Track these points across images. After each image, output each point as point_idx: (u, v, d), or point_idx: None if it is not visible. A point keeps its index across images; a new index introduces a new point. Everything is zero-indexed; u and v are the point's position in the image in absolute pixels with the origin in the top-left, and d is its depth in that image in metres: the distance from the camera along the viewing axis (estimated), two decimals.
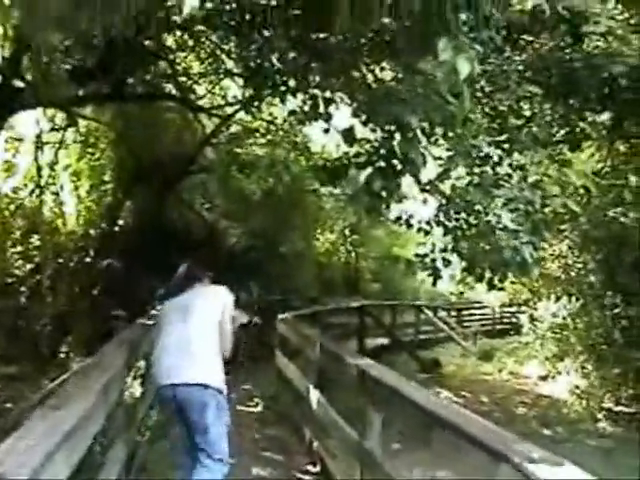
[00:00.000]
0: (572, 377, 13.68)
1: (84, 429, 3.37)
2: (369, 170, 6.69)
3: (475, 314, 28.98)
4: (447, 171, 8.21)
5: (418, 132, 6.48)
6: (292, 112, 8.82)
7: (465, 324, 26.52)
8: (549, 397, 13.78)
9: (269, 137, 17.03)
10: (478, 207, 7.84)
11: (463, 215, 8.24)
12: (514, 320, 26.31)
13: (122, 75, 11.53)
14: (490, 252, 7.70)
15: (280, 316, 10.66)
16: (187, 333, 5.13)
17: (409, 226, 8.83)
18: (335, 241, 29.28)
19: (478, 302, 28.59)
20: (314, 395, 6.97)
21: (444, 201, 8.40)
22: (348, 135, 7.34)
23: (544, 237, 7.92)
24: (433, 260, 8.40)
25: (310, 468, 6.72)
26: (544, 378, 15.45)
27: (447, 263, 8.45)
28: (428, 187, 8.38)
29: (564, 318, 13.13)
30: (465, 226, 8.22)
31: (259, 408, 9.72)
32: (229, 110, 16.27)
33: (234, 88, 15.64)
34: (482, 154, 8.18)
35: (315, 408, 6.88)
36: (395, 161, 6.57)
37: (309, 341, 7.85)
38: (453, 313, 27.07)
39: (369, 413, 4.73)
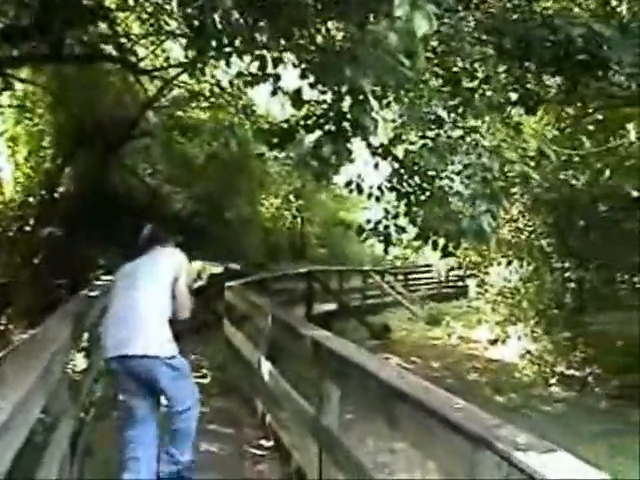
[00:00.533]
0: (523, 341, 13.72)
1: (24, 415, 3.11)
2: (317, 134, 6.46)
3: (422, 278, 29.03)
4: (399, 135, 7.98)
5: (369, 95, 6.24)
6: (239, 74, 8.37)
7: (412, 288, 26.54)
8: (500, 361, 13.79)
9: (213, 100, 16.56)
10: (432, 172, 7.64)
11: (416, 180, 8.04)
12: (461, 284, 26.60)
13: (59, 35, 10.99)
14: (445, 219, 7.50)
15: (227, 283, 10.40)
16: (135, 301, 5.09)
17: (360, 191, 8.53)
18: (280, 206, 29.04)
19: (425, 266, 28.65)
20: (266, 367, 6.74)
21: (397, 165, 8.18)
22: (296, 98, 7.07)
23: (502, 205, 7.70)
24: (386, 227, 8.19)
25: (263, 442, 6.45)
26: (494, 342, 15.48)
27: (401, 230, 8.27)
28: (380, 151, 8.15)
29: (515, 282, 13.06)
30: (419, 191, 8.03)
31: (207, 379, 9.40)
32: (172, 72, 15.77)
33: (177, 50, 15.18)
34: (435, 117, 7.97)
35: (267, 380, 6.65)
36: (345, 124, 6.32)
37: (259, 311, 7.61)
38: (400, 277, 27.07)
39: (325, 386, 4.51)
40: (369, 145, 7.58)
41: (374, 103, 6.32)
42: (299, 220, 30.55)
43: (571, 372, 11.97)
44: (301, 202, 29.96)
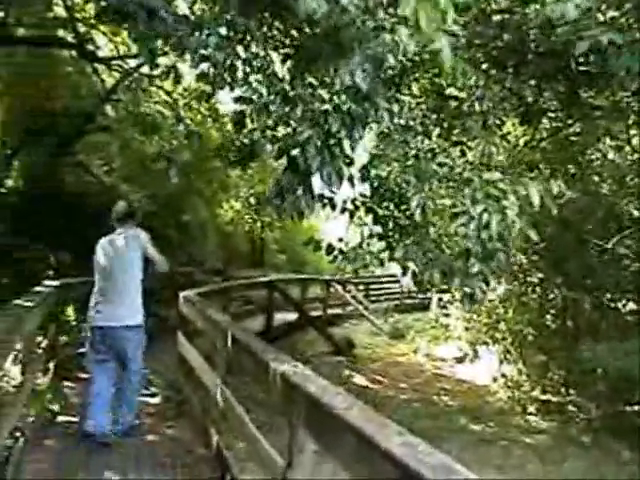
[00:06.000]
0: (491, 361, 13.10)
1: None
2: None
3: (384, 288, 28.34)
4: (378, 157, 7.25)
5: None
6: (202, 75, 7.41)
7: (374, 299, 25.92)
8: (470, 383, 13.12)
9: (175, 96, 15.71)
10: (415, 203, 6.92)
11: (397, 206, 7.34)
12: (423, 296, 25.99)
13: (8, 16, 10.06)
14: (434, 260, 6.88)
15: (183, 294, 9.51)
16: (116, 279, 6.57)
17: (333, 207, 7.68)
18: (240, 209, 28.26)
19: (388, 276, 27.92)
20: (224, 395, 5.90)
21: (375, 184, 7.42)
22: (236, 120, 6.49)
23: (501, 265, 6.90)
24: (358, 253, 7.49)
25: None
26: (460, 360, 14.87)
27: (374, 256, 7.56)
28: (359, 173, 7.34)
29: (491, 301, 12.35)
30: (400, 220, 7.33)
31: (158, 399, 8.51)
32: (132, 63, 14.83)
33: None
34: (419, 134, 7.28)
35: (226, 411, 5.83)
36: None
37: (218, 328, 6.77)
38: (361, 287, 26.38)
39: (297, 435, 3.67)
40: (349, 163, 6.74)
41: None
42: (259, 224, 29.82)
43: (547, 397, 11.33)
44: (261, 205, 29.27)
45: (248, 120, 6.73)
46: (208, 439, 6.49)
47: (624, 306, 11.49)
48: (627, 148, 11.78)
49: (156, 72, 9.07)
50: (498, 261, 6.64)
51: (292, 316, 17.32)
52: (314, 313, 19.32)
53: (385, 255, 7.65)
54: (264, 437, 4.66)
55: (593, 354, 9.79)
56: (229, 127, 15.82)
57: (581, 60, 6.98)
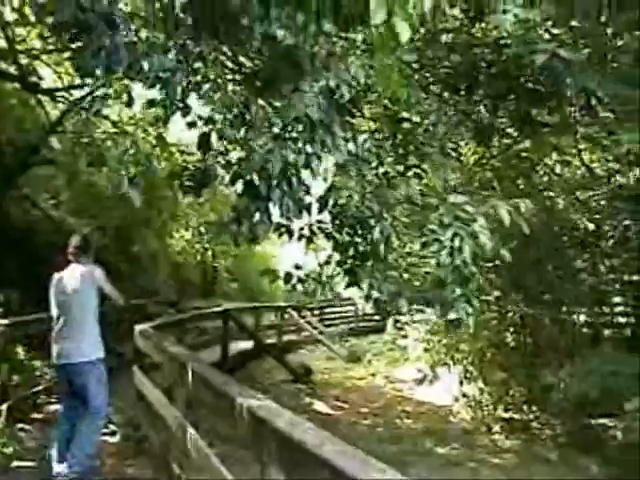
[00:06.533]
0: (451, 381, 13.04)
1: None
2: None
3: (339, 312, 28.23)
4: (336, 188, 7.15)
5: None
6: (151, 102, 7.23)
7: (328, 323, 25.82)
8: (430, 404, 13.02)
9: (124, 128, 15.44)
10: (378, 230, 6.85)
11: (356, 229, 7.25)
12: (378, 318, 25.98)
13: None
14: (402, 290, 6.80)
15: (138, 327, 9.28)
16: (73, 316, 6.58)
17: (290, 235, 7.53)
18: (191, 239, 28.01)
19: (343, 299, 27.82)
20: (188, 433, 5.71)
21: (335, 210, 7.32)
22: (203, 142, 6.35)
23: (475, 291, 6.81)
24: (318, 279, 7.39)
25: None
26: (420, 382, 14.77)
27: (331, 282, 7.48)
28: (317, 202, 7.22)
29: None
30: (360, 241, 7.24)
31: (117, 438, 8.27)
32: (77, 94, 14.56)
33: None
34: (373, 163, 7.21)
35: (185, 442, 5.63)
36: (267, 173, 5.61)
37: (177, 362, 6.57)
38: (316, 312, 26.23)
39: (267, 473, 3.53)
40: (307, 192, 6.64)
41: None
42: (210, 253, 29.58)
43: (509, 414, 11.29)
44: (212, 234, 29.03)
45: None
46: (170, 476, 6.30)
47: (578, 319, 11.60)
48: (576, 162, 11.93)
49: (109, 93, 8.93)
50: (477, 284, 6.59)
51: (247, 345, 17.16)
52: (269, 341, 19.16)
53: (344, 280, 7.54)
54: (229, 471, 4.51)
55: (556, 378, 9.82)
56: (177, 155, 15.69)
57: (531, 79, 7.02)
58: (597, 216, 11.56)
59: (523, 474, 8.60)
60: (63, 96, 14.45)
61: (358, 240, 7.33)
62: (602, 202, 11.67)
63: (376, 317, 26.83)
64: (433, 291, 6.70)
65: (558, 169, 12.66)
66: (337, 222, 7.38)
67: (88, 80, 9.29)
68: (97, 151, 14.43)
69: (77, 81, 14.21)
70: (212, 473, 4.79)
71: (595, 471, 8.52)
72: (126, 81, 7.36)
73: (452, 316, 6.59)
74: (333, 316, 27.48)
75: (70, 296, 6.62)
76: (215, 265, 30.10)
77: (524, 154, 11.59)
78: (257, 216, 5.88)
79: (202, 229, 28.24)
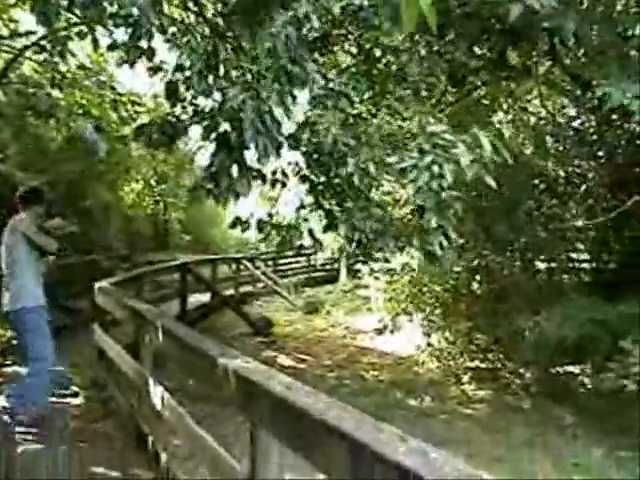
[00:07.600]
0: (412, 331, 13.00)
1: None
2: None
3: (292, 262, 28.10)
4: (310, 120, 6.92)
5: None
6: (112, 46, 6.83)
7: (282, 274, 25.70)
8: (394, 355, 12.98)
9: (73, 77, 14.89)
10: (353, 166, 6.64)
11: (332, 172, 7.03)
12: (330, 267, 26.00)
13: None
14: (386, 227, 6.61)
15: (97, 284, 8.98)
16: (4, 269, 6.74)
17: (264, 180, 7.30)
18: (142, 191, 27.55)
19: (296, 248, 27.72)
20: (158, 393, 5.52)
21: (309, 150, 7.09)
22: (171, 90, 6.06)
23: (453, 221, 6.65)
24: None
25: None
26: (380, 332, 14.76)
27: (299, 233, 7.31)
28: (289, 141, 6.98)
29: (413, 269, 12.14)
30: (336, 187, 7.04)
31: (80, 399, 7.97)
32: (22, 43, 13.93)
33: (30, 19, 13.41)
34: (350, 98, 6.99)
35: (160, 408, 5.43)
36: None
37: (143, 320, 6.32)
38: (270, 263, 26.11)
39: (258, 437, 3.32)
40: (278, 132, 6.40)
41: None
42: (162, 205, 29.19)
43: (476, 364, 11.30)
44: (164, 187, 28.61)
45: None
46: (143, 442, 6.10)
47: (547, 265, 11.64)
48: (543, 112, 11.86)
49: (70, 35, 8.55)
50: (455, 212, 6.44)
51: (205, 298, 17.04)
52: (227, 293, 19.02)
53: (321, 224, 7.38)
54: (206, 432, 4.35)
55: (532, 323, 9.80)
56: (129, 107, 15.25)
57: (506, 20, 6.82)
58: (562, 162, 11.49)
59: (498, 424, 8.61)
60: (8, 45, 13.85)
61: (335, 180, 7.13)
62: (564, 147, 11.61)
63: (328, 267, 26.88)
64: (412, 221, 6.52)
65: (526, 117, 12.60)
66: (312, 161, 7.16)
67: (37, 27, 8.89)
68: (47, 102, 13.94)
69: (22, 29, 13.66)
70: (186, 432, 4.65)
71: (570, 420, 8.56)
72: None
73: (427, 248, 6.45)
74: (286, 267, 27.32)
75: (2, 246, 6.77)
76: (166, 217, 29.72)
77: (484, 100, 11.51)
78: (234, 171, 5.65)
79: (153, 181, 27.83)
